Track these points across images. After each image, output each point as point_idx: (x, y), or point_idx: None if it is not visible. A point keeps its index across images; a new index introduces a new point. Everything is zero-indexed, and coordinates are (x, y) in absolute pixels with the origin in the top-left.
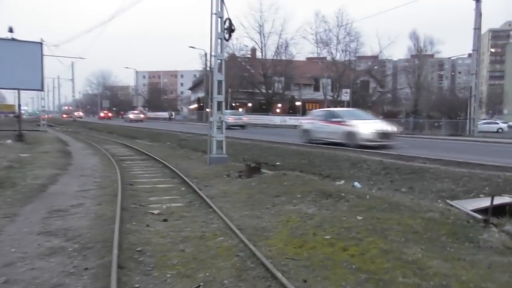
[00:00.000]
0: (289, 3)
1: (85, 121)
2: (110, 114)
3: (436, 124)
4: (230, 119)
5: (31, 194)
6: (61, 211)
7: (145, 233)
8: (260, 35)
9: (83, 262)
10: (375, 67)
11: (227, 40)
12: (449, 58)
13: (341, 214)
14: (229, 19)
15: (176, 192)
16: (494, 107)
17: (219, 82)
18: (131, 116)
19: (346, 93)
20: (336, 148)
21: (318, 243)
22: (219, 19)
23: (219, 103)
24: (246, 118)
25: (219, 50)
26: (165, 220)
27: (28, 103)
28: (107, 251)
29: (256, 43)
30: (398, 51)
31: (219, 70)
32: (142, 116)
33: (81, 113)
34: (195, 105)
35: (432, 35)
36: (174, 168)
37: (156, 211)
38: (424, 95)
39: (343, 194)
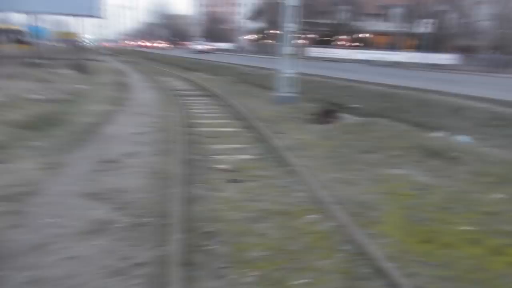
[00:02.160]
0: None
1: (145, 52)
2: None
3: None
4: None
5: (82, 136)
6: (112, 163)
7: (213, 202)
8: None
9: (133, 251)
10: None
11: None
12: None
13: (468, 186)
14: None
15: (244, 139)
16: None
17: (294, 8)
18: (198, 47)
19: (427, 23)
20: (433, 92)
21: (454, 238)
22: None
23: (291, 34)
24: (209, 46)
25: None
26: (235, 181)
27: (93, 31)
28: (165, 233)
29: None
30: None
31: None
32: (208, 47)
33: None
34: (255, 36)
35: None
36: (238, 107)
37: (223, 166)
38: (507, 28)
39: (455, 153)
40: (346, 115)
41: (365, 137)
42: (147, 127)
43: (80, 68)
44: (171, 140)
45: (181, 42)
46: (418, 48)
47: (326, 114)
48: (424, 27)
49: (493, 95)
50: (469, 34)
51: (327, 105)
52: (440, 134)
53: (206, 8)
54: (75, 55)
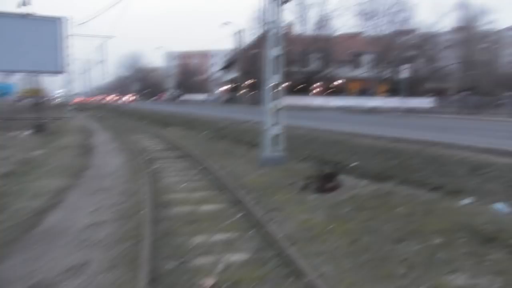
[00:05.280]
0: None
1: (116, 106)
2: (133, 99)
3: (498, 102)
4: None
5: (14, 234)
6: None
7: None
8: (301, 8)
9: None
10: (422, 41)
11: (284, 2)
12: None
13: None
14: None
15: (231, 225)
16: None
17: (275, 58)
18: (125, 98)
19: (405, 69)
20: (438, 145)
21: None
22: None
23: (275, 86)
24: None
25: (274, 16)
26: None
27: (62, 86)
28: None
29: (296, 17)
30: (447, 22)
31: (275, 42)
32: (132, 99)
33: (130, 98)
34: (228, 86)
35: (485, 3)
36: (219, 173)
37: (207, 283)
38: (475, 69)
39: None
40: (347, 178)
41: (387, 215)
42: (106, 212)
43: (40, 128)
44: (136, 235)
45: (159, 94)
46: (391, 92)
47: (326, 179)
48: (403, 72)
49: (501, 145)
50: (439, 77)
51: (324, 166)
52: (469, 200)
53: (179, 60)
54: (38, 114)
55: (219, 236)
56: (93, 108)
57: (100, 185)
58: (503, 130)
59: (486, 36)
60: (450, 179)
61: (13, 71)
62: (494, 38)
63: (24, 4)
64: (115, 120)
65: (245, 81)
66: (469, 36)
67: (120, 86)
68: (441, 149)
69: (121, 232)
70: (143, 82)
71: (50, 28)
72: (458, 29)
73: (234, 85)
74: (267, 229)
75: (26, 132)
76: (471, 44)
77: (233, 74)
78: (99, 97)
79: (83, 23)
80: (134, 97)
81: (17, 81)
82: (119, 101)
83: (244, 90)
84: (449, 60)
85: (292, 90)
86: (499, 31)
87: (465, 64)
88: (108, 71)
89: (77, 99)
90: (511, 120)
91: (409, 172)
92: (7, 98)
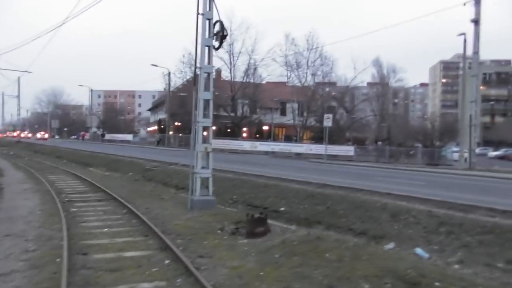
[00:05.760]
0: (261, 23)
1: (31, 143)
2: (46, 136)
3: (411, 152)
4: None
5: None
6: None
7: None
8: (229, 55)
9: None
10: (342, 93)
11: (216, 49)
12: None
13: None
14: (221, 22)
15: (158, 273)
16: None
17: (206, 101)
18: (38, 135)
19: (328, 118)
20: (361, 191)
21: None
22: (207, 21)
23: (206, 129)
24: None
25: (206, 61)
26: None
27: None
28: None
29: (225, 63)
30: (363, 77)
31: (207, 86)
32: (46, 136)
33: (45, 135)
34: (155, 127)
35: (395, 63)
36: (144, 217)
37: None
38: (388, 122)
39: (436, 283)
40: (276, 223)
41: (318, 260)
42: (15, 262)
43: None
44: (50, 287)
45: (81, 133)
46: (316, 139)
47: (255, 223)
48: (326, 121)
49: (416, 192)
50: (358, 127)
51: (253, 210)
52: (391, 245)
53: (104, 98)
54: None
55: (145, 285)
56: (4, 145)
57: (9, 229)
58: (416, 179)
59: (398, 92)
60: (374, 225)
61: None
62: (404, 94)
63: None
64: (30, 159)
65: (173, 122)
66: (383, 91)
67: (37, 122)
68: (364, 195)
69: (32, 284)
70: (64, 119)
71: None
72: (373, 84)
73: (161, 126)
74: (196, 277)
75: None
76: (385, 98)
77: (160, 115)
78: (12, 134)
79: None
80: (47, 134)
81: None
82: (32, 138)
83: (172, 132)
84: (366, 112)
85: (220, 134)
86: (408, 88)
87: (380, 117)
88: (23, 106)
89: None
90: (423, 169)
91: (336, 217)
92: None
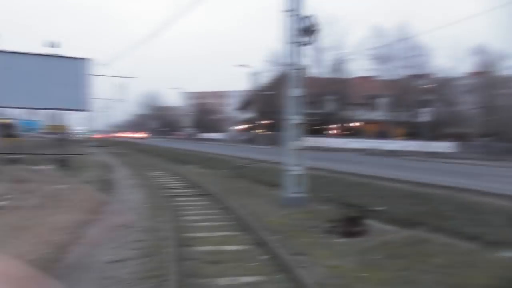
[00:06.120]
0: (347, 15)
1: (134, 143)
2: (144, 136)
3: None
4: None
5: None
6: None
7: None
8: (316, 51)
9: None
10: (440, 85)
11: (306, 45)
12: None
13: None
14: (310, 17)
15: (257, 268)
16: None
17: (296, 98)
18: (138, 135)
19: (424, 113)
20: (469, 191)
21: None
22: (296, 17)
23: (297, 126)
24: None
25: (295, 58)
26: None
27: (84, 123)
28: None
29: (312, 59)
30: (465, 67)
31: (296, 83)
32: (145, 136)
33: (144, 135)
34: (244, 126)
35: (503, 49)
36: (240, 213)
37: None
38: (497, 115)
39: None
40: (374, 223)
41: (425, 265)
42: (129, 249)
43: (63, 163)
44: (159, 275)
45: (176, 132)
46: (409, 135)
47: (352, 223)
48: (422, 116)
49: None
50: (458, 122)
51: (348, 209)
52: (511, 253)
53: (195, 99)
54: (61, 149)
55: (244, 279)
56: (112, 145)
57: (121, 220)
58: None
59: (507, 81)
60: (488, 229)
61: (38, 108)
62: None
63: (52, 45)
64: (133, 157)
65: (261, 121)
66: (488, 80)
67: (138, 124)
68: (473, 195)
69: (145, 271)
70: (161, 120)
71: (75, 68)
72: (476, 74)
73: (250, 125)
74: (294, 274)
75: (50, 167)
76: (491, 89)
77: (249, 114)
78: (117, 134)
79: (106, 64)
80: (145, 135)
81: (41, 118)
82: (134, 138)
83: (261, 130)
84: (468, 104)
85: (308, 131)
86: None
87: (486, 109)
88: (127, 109)
89: (97, 136)
90: None
91: (442, 219)
92: (32, 134)
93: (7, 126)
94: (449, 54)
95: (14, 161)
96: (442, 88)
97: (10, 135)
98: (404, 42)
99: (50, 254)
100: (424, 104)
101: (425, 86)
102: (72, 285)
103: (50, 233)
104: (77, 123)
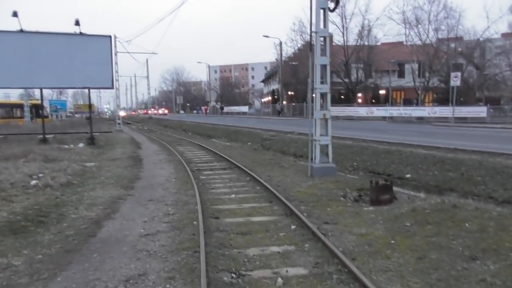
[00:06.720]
0: None
1: (160, 119)
2: (166, 112)
3: None
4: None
5: (74, 244)
6: None
7: None
8: (341, 18)
9: None
10: (471, 48)
11: (332, 10)
12: None
13: None
14: None
15: (285, 237)
16: None
17: (323, 67)
18: (160, 111)
19: (456, 77)
20: (502, 155)
21: None
22: None
23: (323, 95)
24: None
25: (321, 25)
26: None
27: (110, 101)
28: None
29: (337, 27)
30: (498, 27)
31: (323, 51)
32: (166, 111)
33: (166, 110)
34: (269, 98)
35: None
36: (267, 184)
37: None
38: None
39: None
40: (402, 190)
41: (455, 230)
42: (159, 222)
43: (92, 141)
44: (191, 244)
45: (202, 107)
46: (439, 101)
47: (380, 191)
48: (453, 80)
49: None
50: (491, 86)
51: (376, 178)
52: None
53: (219, 73)
54: (89, 128)
55: (273, 249)
56: (138, 122)
57: (151, 195)
58: None
59: None
60: None
61: (67, 88)
62: None
63: (77, 23)
64: (161, 132)
65: (286, 92)
66: None
67: (164, 99)
68: (506, 159)
69: (175, 245)
70: (186, 95)
71: (102, 46)
72: (510, 35)
73: (275, 97)
74: (323, 242)
75: (79, 145)
76: None
77: (273, 86)
78: (143, 111)
79: (129, 40)
80: (167, 110)
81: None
82: (157, 114)
83: (285, 102)
84: (501, 67)
85: (334, 101)
86: None
87: None
88: (152, 86)
89: (123, 113)
90: None
91: (473, 184)
92: (61, 113)
93: (37, 107)
94: (482, 14)
95: (44, 141)
96: (473, 51)
97: (40, 116)
98: (434, 4)
99: (90, 224)
100: (456, 67)
101: (457, 49)
102: (107, 259)
103: (86, 209)
104: (104, 102)
